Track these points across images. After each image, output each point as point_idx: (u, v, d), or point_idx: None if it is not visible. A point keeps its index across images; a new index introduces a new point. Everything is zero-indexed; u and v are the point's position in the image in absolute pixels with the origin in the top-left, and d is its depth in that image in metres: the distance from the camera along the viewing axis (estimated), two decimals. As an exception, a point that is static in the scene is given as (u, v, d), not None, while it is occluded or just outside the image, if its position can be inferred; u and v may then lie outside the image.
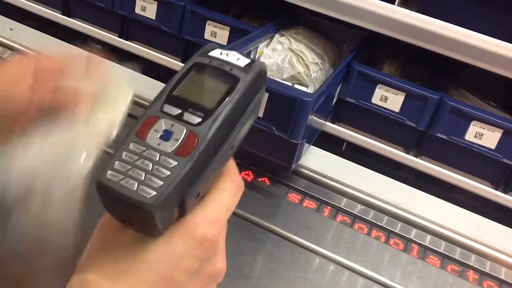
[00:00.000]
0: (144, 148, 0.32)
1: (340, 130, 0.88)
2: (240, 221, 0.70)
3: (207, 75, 0.35)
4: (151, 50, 1.01)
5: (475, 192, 0.83)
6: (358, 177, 0.83)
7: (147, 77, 0.99)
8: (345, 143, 0.93)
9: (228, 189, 0.37)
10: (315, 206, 0.76)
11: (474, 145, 0.79)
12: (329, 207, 0.76)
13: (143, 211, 0.30)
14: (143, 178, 0.30)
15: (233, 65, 0.35)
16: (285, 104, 0.65)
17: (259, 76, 0.35)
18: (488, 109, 0.83)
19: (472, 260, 0.72)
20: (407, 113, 0.81)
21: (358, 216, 0.76)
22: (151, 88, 0.95)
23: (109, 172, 0.31)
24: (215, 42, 0.92)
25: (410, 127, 0.82)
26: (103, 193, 0.31)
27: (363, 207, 0.78)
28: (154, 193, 0.30)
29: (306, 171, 0.82)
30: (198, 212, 0.34)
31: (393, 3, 0.77)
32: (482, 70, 0.75)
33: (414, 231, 0.76)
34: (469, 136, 0.79)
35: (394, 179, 0.85)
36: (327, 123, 0.88)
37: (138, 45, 1.02)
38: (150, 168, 0.31)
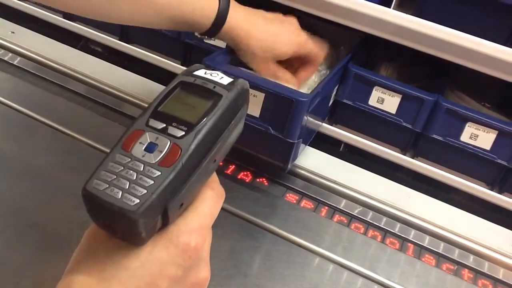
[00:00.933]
0: (129, 159, 0.33)
1: (338, 131, 0.89)
2: (238, 221, 0.71)
3: (191, 92, 0.37)
4: (151, 53, 1.02)
5: (471, 192, 0.83)
6: (355, 178, 0.84)
7: (147, 80, 1.00)
8: (342, 145, 0.94)
9: (209, 197, 0.38)
10: (312, 206, 0.77)
11: (469, 146, 0.80)
12: (326, 207, 0.77)
13: (127, 218, 0.31)
14: (127, 187, 0.32)
15: (216, 83, 0.37)
16: (281, 104, 0.66)
17: (241, 94, 0.38)
18: (483, 111, 0.84)
19: (467, 259, 0.73)
20: (404, 115, 0.83)
21: (355, 216, 0.77)
22: (151, 90, 0.96)
23: (94, 181, 0.32)
24: (213, 45, 0.93)
25: (406, 128, 0.83)
26: (89, 201, 0.32)
27: (360, 207, 0.79)
28: (138, 201, 0.31)
29: (303, 172, 0.83)
30: (180, 222, 0.36)
31: (389, 7, 0.78)
32: (478, 72, 0.76)
33: (410, 231, 0.77)
34: (465, 137, 0.80)
35: (391, 179, 0.86)
36: (325, 124, 0.89)
37: (139, 48, 1.03)
38: (135, 178, 0.32)
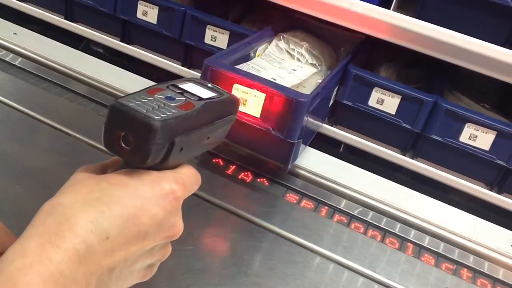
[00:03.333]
0: (152, 99, 0.39)
1: (338, 132, 0.90)
2: (239, 220, 0.71)
3: (201, 86, 0.44)
4: (152, 54, 1.03)
5: (470, 192, 0.84)
6: (355, 178, 0.84)
7: (148, 80, 1.01)
8: (342, 145, 0.95)
9: (193, 174, 0.43)
10: (312, 206, 0.78)
11: (468, 146, 0.80)
12: (326, 207, 0.78)
13: (149, 125, 0.36)
14: (151, 109, 0.37)
15: (219, 88, 0.45)
16: (282, 105, 0.67)
17: (235, 103, 0.46)
18: (482, 112, 0.85)
19: (466, 259, 0.74)
20: (403, 116, 0.83)
21: (355, 216, 0.78)
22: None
23: (123, 100, 0.38)
24: (214, 47, 0.94)
25: (406, 129, 0.84)
26: (116, 111, 0.37)
27: (360, 207, 0.80)
28: (159, 117, 0.37)
29: (304, 172, 0.83)
30: (169, 172, 0.40)
31: (389, 8, 0.79)
32: (477, 74, 0.77)
33: (409, 230, 0.77)
34: (464, 137, 0.80)
35: (391, 180, 0.86)
36: (325, 125, 0.89)
37: (140, 49, 1.04)
38: (157, 107, 0.38)
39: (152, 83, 0.99)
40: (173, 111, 0.38)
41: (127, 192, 0.37)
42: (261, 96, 0.68)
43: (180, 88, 0.42)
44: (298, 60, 0.88)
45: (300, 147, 0.76)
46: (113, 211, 0.36)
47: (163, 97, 0.40)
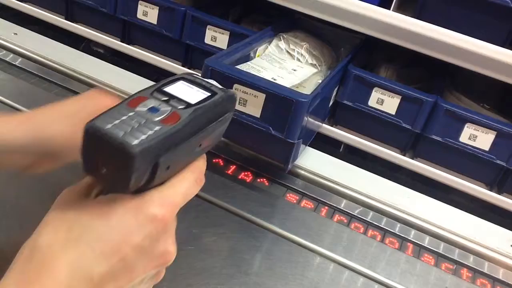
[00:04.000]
0: (133, 113, 0.35)
1: (338, 132, 0.90)
2: (239, 220, 0.72)
3: (191, 84, 0.41)
4: (152, 54, 1.03)
5: (470, 193, 0.84)
6: (355, 178, 0.84)
7: (149, 81, 1.01)
8: (342, 145, 0.95)
9: (188, 179, 0.39)
10: (312, 206, 0.78)
11: (468, 146, 0.80)
12: (326, 207, 0.78)
13: (126, 153, 0.32)
14: (129, 131, 0.34)
15: (212, 84, 0.41)
16: (281, 105, 0.67)
17: (231, 99, 0.42)
18: (482, 112, 0.85)
19: (466, 259, 0.74)
20: (403, 116, 0.83)
21: (355, 216, 0.78)
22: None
23: (98, 121, 0.34)
24: (214, 47, 0.94)
25: (406, 129, 0.84)
26: (90, 135, 0.34)
27: (360, 207, 0.80)
28: (137, 141, 0.33)
29: (304, 172, 0.83)
30: (155, 194, 0.37)
31: (389, 8, 0.79)
32: (477, 74, 0.77)
33: (409, 230, 0.77)
34: (464, 138, 0.80)
35: (391, 180, 0.86)
36: (325, 125, 0.90)
37: (140, 49, 1.04)
38: (136, 126, 0.34)
39: (152, 83, 0.99)
40: (156, 128, 0.34)
41: (109, 225, 0.35)
42: (261, 96, 0.68)
43: (166, 93, 0.38)
44: (298, 60, 0.88)
45: (300, 147, 0.76)
46: (95, 249, 0.34)
47: (145, 109, 0.36)
